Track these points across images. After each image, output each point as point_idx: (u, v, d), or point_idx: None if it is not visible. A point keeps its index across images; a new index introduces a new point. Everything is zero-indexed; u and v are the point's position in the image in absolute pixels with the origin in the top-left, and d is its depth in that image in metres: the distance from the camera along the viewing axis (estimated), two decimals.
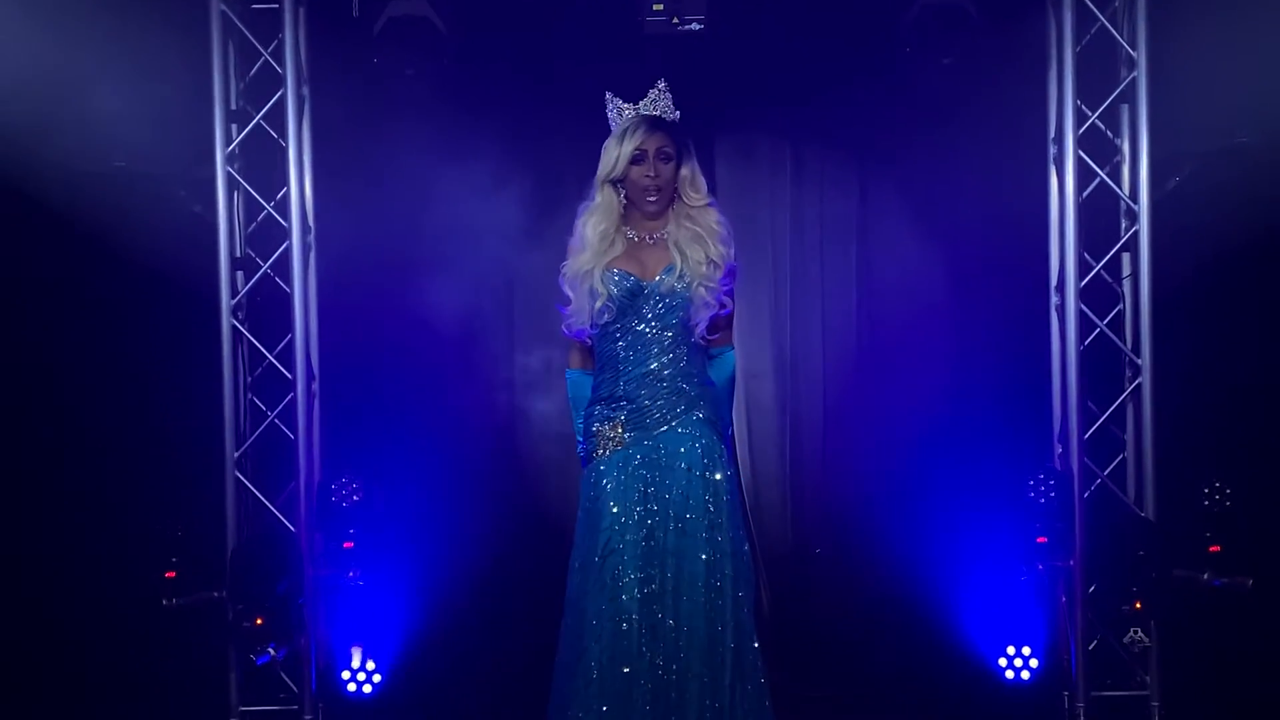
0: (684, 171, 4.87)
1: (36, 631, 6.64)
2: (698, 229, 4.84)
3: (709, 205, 4.89)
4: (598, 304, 4.81)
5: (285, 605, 6.26)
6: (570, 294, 4.88)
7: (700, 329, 4.85)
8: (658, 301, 4.81)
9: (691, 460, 4.77)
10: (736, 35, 6.92)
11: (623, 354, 4.83)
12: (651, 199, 4.84)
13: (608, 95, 4.93)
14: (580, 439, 4.94)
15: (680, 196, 4.88)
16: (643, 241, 4.89)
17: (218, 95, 6.45)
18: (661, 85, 4.92)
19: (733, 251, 4.88)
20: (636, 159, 4.81)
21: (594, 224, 4.86)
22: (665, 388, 4.80)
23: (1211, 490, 6.60)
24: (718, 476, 4.78)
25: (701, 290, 4.80)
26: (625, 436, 4.80)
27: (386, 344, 7.31)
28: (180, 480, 6.77)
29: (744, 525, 4.89)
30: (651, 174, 4.81)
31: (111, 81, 6.39)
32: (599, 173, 4.87)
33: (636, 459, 4.78)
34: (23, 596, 6.63)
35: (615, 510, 4.74)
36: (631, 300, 4.80)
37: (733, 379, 5.01)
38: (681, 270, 4.79)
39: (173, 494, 6.72)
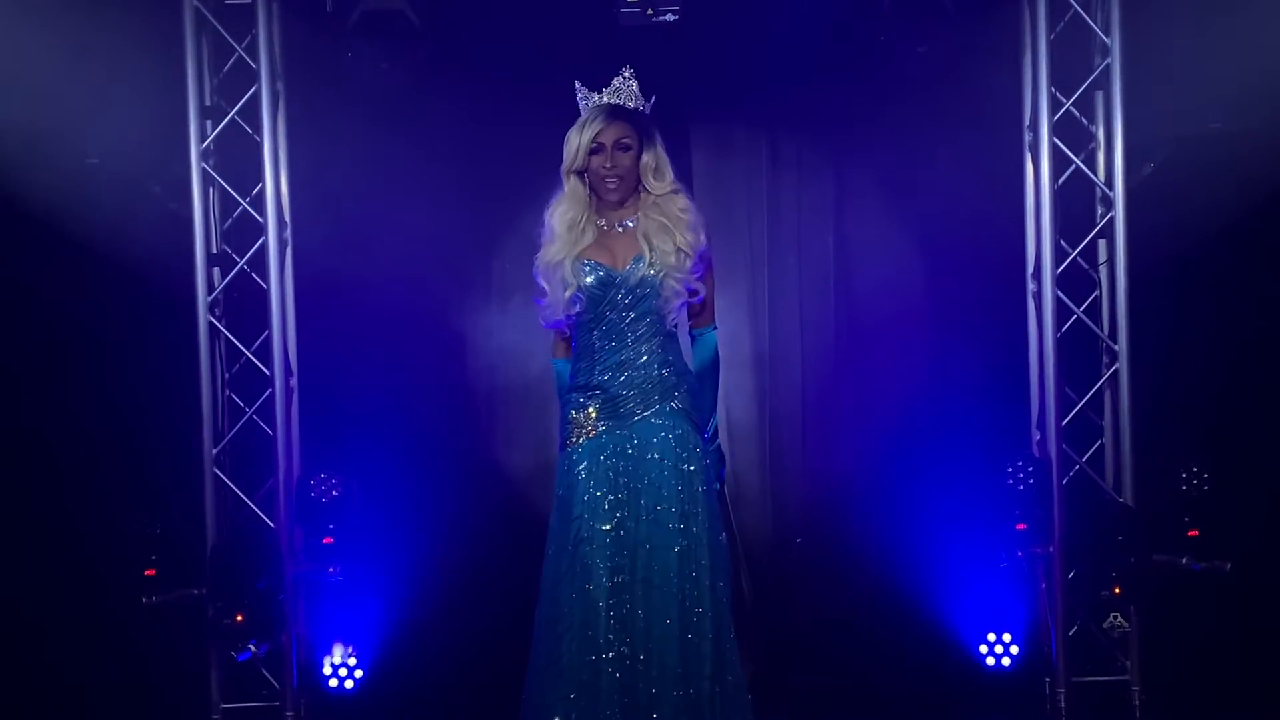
0: (645, 159, 4.83)
1: (15, 630, 6.63)
2: (663, 218, 4.81)
3: (675, 192, 4.86)
4: (567, 294, 4.80)
5: (265, 602, 6.26)
6: (544, 285, 4.85)
7: (672, 318, 4.85)
8: (629, 291, 4.79)
9: (664, 450, 4.76)
10: (711, 25, 6.91)
11: (598, 343, 4.82)
12: (611, 186, 4.82)
13: (576, 84, 4.92)
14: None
15: (643, 185, 4.86)
16: (612, 230, 4.87)
17: (191, 91, 6.43)
18: (627, 73, 4.90)
19: (704, 237, 4.84)
20: (595, 150, 4.80)
21: (561, 214, 4.85)
22: (639, 377, 4.79)
23: (1189, 475, 6.64)
24: (691, 467, 4.76)
25: (671, 281, 4.78)
26: (599, 425, 4.79)
27: (365, 339, 7.28)
28: (159, 478, 6.77)
29: (721, 515, 4.88)
30: (609, 164, 4.79)
31: (84, 78, 6.37)
32: (564, 164, 4.86)
33: (609, 448, 4.77)
34: (0, 595, 6.61)
35: (586, 499, 4.74)
36: (603, 290, 4.79)
37: (716, 359, 4.97)
38: (651, 260, 4.78)
39: (151, 491, 6.72)
